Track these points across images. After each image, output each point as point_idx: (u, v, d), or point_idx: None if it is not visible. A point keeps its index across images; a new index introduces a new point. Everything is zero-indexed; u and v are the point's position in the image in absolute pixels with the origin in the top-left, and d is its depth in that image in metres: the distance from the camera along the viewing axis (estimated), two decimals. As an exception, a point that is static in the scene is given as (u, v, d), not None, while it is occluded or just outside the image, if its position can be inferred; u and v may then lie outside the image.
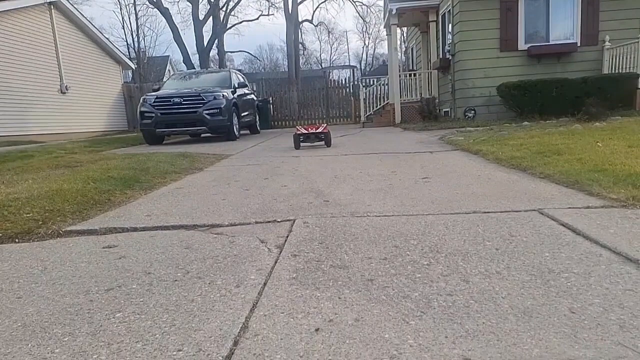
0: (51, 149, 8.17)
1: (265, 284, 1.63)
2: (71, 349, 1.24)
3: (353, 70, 20.92)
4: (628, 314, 1.26)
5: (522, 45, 9.11)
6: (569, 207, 2.43)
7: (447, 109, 10.57)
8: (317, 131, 6.63)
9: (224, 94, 9.20)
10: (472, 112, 9.12)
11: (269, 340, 1.22)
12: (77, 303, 1.57)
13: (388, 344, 1.17)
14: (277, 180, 3.95)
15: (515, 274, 1.59)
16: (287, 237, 2.21)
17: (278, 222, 2.52)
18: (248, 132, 11.79)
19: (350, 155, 5.56)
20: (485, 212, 2.45)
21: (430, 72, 11.68)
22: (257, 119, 12.10)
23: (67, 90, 13.62)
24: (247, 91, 11.16)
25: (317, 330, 1.27)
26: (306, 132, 6.63)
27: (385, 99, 12.32)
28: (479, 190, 3.03)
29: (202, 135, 10.26)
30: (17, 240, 2.49)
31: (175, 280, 1.73)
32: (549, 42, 9.11)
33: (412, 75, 12.22)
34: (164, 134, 9.40)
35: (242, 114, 10.19)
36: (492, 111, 9.05)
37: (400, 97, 11.55)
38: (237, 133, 9.52)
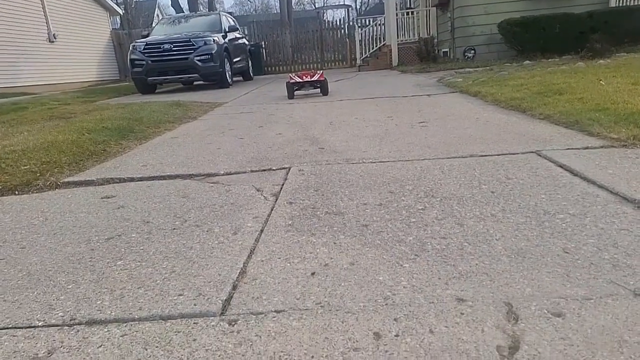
0: (44, 101, 7.98)
1: (262, 230, 1.65)
2: (75, 295, 1.27)
3: (348, 10, 19.94)
4: (622, 253, 1.28)
5: (525, -24, 8.63)
6: (568, 148, 2.41)
7: (446, 49, 10.22)
8: (313, 79, 5.97)
9: (215, 38, 8.85)
10: (472, 51, 8.83)
11: (266, 284, 1.25)
12: (79, 252, 1.60)
13: (382, 286, 1.20)
14: (272, 128, 3.89)
15: (510, 216, 1.60)
16: (283, 185, 2.21)
17: (273, 170, 2.51)
18: (241, 78, 11.47)
19: (345, 100, 5.45)
20: (482, 156, 2.44)
21: (429, 10, 11.16)
22: (250, 65, 11.74)
23: (55, 39, 13.08)
24: (238, 35, 10.73)
25: (313, 274, 1.30)
26: (300, 80, 5.99)
27: (382, 40, 11.85)
28: (477, 133, 3.00)
29: (195, 82, 10.00)
30: (16, 192, 2.49)
31: (174, 229, 1.75)
32: (554, -29, 8.61)
33: (410, 13, 11.69)
34: (156, 82, 9.16)
35: (234, 60, 9.86)
36: (493, 50, 8.76)
37: (398, 37, 11.11)
38: (230, 80, 9.27)
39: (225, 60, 9.15)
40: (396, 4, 11.38)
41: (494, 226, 1.53)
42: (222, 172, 2.55)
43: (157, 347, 1.01)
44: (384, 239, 1.50)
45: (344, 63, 15.07)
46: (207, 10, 25.10)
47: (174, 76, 8.95)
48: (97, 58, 15.67)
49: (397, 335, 0.99)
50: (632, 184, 1.79)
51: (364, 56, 12.05)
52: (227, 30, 9.76)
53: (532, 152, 2.41)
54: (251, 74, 11.76)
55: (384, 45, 11.68)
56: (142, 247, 1.59)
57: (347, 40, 14.79)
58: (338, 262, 1.37)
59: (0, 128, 4.73)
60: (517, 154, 2.42)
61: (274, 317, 1.10)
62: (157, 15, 35.19)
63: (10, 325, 1.14)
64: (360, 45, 12.10)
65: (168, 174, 2.61)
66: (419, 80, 7.04)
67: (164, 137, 3.88)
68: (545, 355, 0.89)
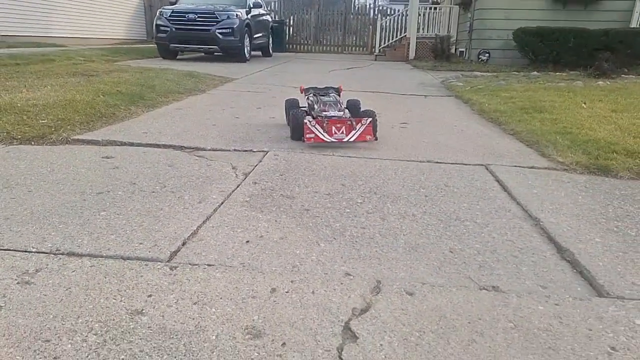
0: (71, 55, 8.40)
1: (222, 203, 2.00)
2: (63, 233, 1.65)
3: (376, -3, 19.79)
4: (494, 259, 1.59)
5: (549, -14, 8.61)
6: (515, 166, 2.69)
7: (462, 49, 10.29)
8: (346, 138, 2.94)
9: (238, 13, 9.09)
10: (487, 55, 8.91)
11: (208, 245, 1.61)
12: (73, 201, 1.97)
13: (295, 257, 1.54)
14: (268, 111, 4.21)
15: (426, 218, 1.92)
16: (256, 166, 2.55)
17: (253, 152, 2.84)
18: (260, 54, 11.72)
19: (347, 91, 5.70)
20: (437, 162, 2.73)
21: (452, 8, 11.16)
22: (271, 42, 11.95)
23: (88, -7, 13.50)
24: (262, 12, 10.93)
25: (247, 242, 1.64)
26: (320, 131, 2.91)
27: (403, 31, 11.92)
28: (447, 141, 3.27)
29: (215, 53, 10.30)
30: (32, 143, 2.88)
31: (153, 192, 2.10)
32: (578, -14, 8.57)
33: (434, 9, 11.69)
34: (177, 49, 9.49)
35: (255, 36, 10.11)
36: (508, 56, 8.82)
37: (418, 31, 11.18)
38: (247, 55, 9.55)
39: (246, 35, 9.41)
40: (423, -3, 11.39)
41: (408, 224, 1.85)
42: (208, 148, 2.89)
43: (113, 276, 1.38)
44: (316, 223, 1.83)
45: (364, 49, 15.15)
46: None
47: (195, 45, 9.27)
48: (127, 17, 16.06)
49: (287, 292, 1.33)
50: (544, 205, 2.08)
51: (383, 45, 12.16)
52: (251, 6, 9.98)
53: (482, 164, 2.69)
54: (270, 51, 11.98)
55: (404, 37, 11.77)
56: (123, 204, 1.95)
57: (371, 27, 14.83)
58: (271, 235, 1.71)
59: (28, 79, 5.15)
60: (469, 165, 2.70)
61: (205, 268, 1.45)
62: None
63: (11, 248, 1.52)
64: (381, 34, 12.18)
65: (163, 143, 2.96)
66: (425, 79, 7.23)
67: (170, 108, 4.23)
68: (384, 318, 1.22)
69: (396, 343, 1.13)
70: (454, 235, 1.77)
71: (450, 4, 11.36)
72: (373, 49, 13.26)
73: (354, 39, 15.82)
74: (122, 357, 1.06)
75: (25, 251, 1.51)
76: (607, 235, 1.75)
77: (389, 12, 12.80)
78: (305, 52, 14.90)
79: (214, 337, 1.14)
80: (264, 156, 2.75)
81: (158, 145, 2.92)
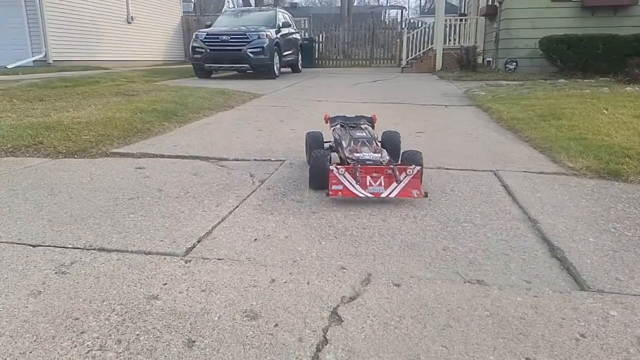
0: (114, 77, 9.07)
1: (237, 207, 2.18)
2: (96, 232, 1.87)
3: (402, 12, 19.96)
4: (484, 256, 1.67)
5: (576, -6, 8.46)
6: (524, 171, 2.73)
7: (490, 59, 10.21)
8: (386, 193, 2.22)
9: (268, 33, 9.53)
10: (514, 64, 8.81)
11: (220, 242, 1.78)
12: (107, 205, 2.21)
13: (296, 253, 1.69)
14: (289, 123, 4.41)
15: (426, 220, 2.01)
16: (272, 174, 2.73)
17: (271, 161, 3.03)
18: (290, 70, 12.10)
19: (369, 103, 5.85)
20: (446, 169, 2.81)
21: (478, 19, 11.13)
22: (300, 58, 12.34)
23: (132, 20, 14.55)
24: (291, 30, 11.37)
25: (255, 240, 1.81)
26: (349, 185, 2.22)
27: (430, 43, 11.97)
28: (460, 149, 3.34)
29: (247, 72, 10.76)
30: (75, 156, 3.20)
31: (177, 197, 2.32)
32: (607, -8, 8.37)
33: (460, 20, 11.69)
34: (212, 69, 10.02)
35: (284, 53, 10.49)
36: (535, 64, 8.69)
37: (446, 43, 11.22)
38: (277, 72, 9.92)
39: (275, 53, 9.80)
40: (451, 7, 11.41)
41: (408, 225, 1.96)
42: (231, 158, 3.11)
43: (135, 268, 1.57)
44: (320, 223, 1.98)
45: (392, 62, 15.29)
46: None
47: (227, 64, 9.78)
48: (166, 40, 17.05)
49: (284, 282, 1.48)
50: (545, 207, 2.13)
51: (409, 58, 12.25)
52: (280, 25, 10.43)
53: (492, 170, 2.75)
54: (299, 67, 12.36)
55: (430, 49, 11.81)
56: (150, 207, 2.17)
57: (399, 40, 14.97)
58: (277, 234, 1.86)
59: (75, 99, 5.65)
60: (478, 171, 2.77)
61: (214, 262, 1.62)
62: (227, 1, 36.75)
63: (52, 245, 1.76)
64: (407, 47, 12.29)
65: (190, 154, 3.21)
66: (449, 89, 7.26)
67: (200, 123, 4.52)
68: (370, 305, 1.34)
69: (377, 326, 1.24)
70: (450, 235, 1.86)
71: (477, 15, 11.34)
72: (400, 62, 13.37)
73: (382, 52, 16.01)
74: (137, 332, 1.23)
75: (64, 247, 1.74)
76: (602, 236, 1.79)
77: (417, 25, 12.92)
78: (334, 67, 15.21)
79: (216, 318, 1.29)
80: (280, 165, 2.93)
81: (185, 157, 3.17)
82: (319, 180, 2.32)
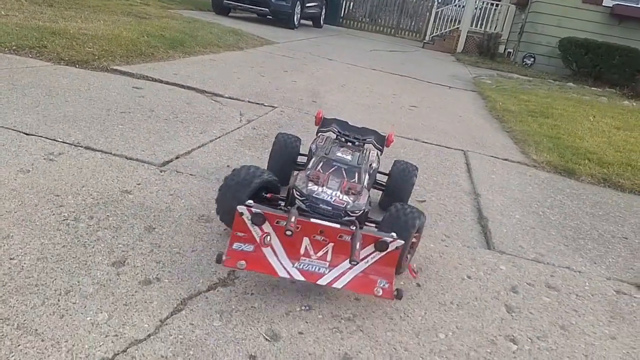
0: (129, -5, 9.00)
1: (219, 137, 2.37)
2: (85, 133, 2.07)
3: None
4: (423, 214, 1.88)
5: (608, 0, 8.28)
6: (492, 156, 2.91)
7: (510, 50, 10.11)
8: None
9: (294, -21, 9.32)
10: (532, 59, 8.76)
11: (195, 162, 1.99)
12: (99, 114, 2.40)
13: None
14: (293, 75, 4.53)
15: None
16: (261, 116, 2.91)
17: (264, 105, 3.20)
18: (311, 23, 11.94)
19: (378, 71, 5.93)
20: (422, 142, 2.99)
21: (509, 7, 10.90)
22: (323, 13, 12.12)
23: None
24: (319, -19, 11.09)
25: (228, 166, 2.02)
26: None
27: (457, 23, 11.77)
28: (444, 127, 3.50)
29: (267, 17, 10.62)
30: (76, 66, 3.35)
31: (166, 119, 2.51)
32: (637, 4, 8.20)
33: (492, 4, 11.43)
34: (230, 6, 9.85)
35: (308, 5, 10.33)
36: (552, 64, 8.64)
37: (472, 25, 11.04)
38: (296, 22, 9.81)
39: (298, 2, 9.65)
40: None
41: (366, 179, 2.16)
42: (226, 95, 3.27)
43: (115, 167, 1.79)
44: (288, 164, 2.18)
45: (417, 35, 15.00)
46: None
47: (246, 5, 9.61)
48: (190, -32, 16.48)
49: (240, 201, 1.70)
50: (493, 187, 2.33)
51: (433, 34, 12.06)
52: (309, -26, 10.17)
53: (462, 150, 2.94)
54: (321, 22, 12.17)
55: (455, 29, 11.63)
56: (138, 123, 2.37)
57: (428, 13, 14.63)
58: (247, 161, 2.06)
59: (85, 12, 5.70)
60: (451, 148, 2.95)
61: (186, 176, 1.84)
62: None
63: (44, 136, 1.96)
64: (434, 22, 12.07)
65: (188, 85, 3.36)
66: (459, 72, 7.29)
67: (205, 57, 4.63)
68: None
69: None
70: (400, 194, 2.07)
71: (509, 3, 11.09)
72: (425, 36, 13.18)
73: (410, 23, 15.64)
74: (108, 214, 1.46)
75: (54, 140, 1.95)
76: (529, 215, 2.01)
77: (448, 1, 12.62)
78: (358, 30, 14.93)
79: (177, 216, 1.52)
80: (271, 110, 3.10)
81: (183, 86, 3.32)
82: (227, 216, 1.39)
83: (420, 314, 1.25)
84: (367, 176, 1.55)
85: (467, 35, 10.98)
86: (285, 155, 1.82)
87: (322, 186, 1.39)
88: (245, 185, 1.34)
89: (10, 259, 1.17)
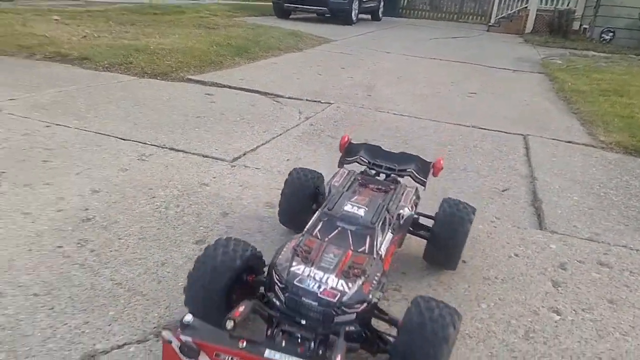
0: (199, 8, 9.70)
1: (280, 134, 2.60)
2: (169, 137, 2.40)
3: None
4: (469, 198, 1.95)
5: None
6: (554, 139, 2.84)
7: (586, 26, 9.32)
8: None
9: (349, -24, 9.43)
10: (611, 34, 8.03)
11: (260, 157, 2.23)
12: (179, 119, 2.74)
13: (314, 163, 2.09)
14: (349, 71, 4.67)
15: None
16: (318, 113, 3.10)
17: (321, 103, 3.39)
18: (369, 17, 11.95)
19: (436, 60, 5.86)
20: (480, 128, 2.99)
21: (584, -21, 10.03)
22: (381, 6, 12.07)
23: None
24: (375, -25, 11.07)
25: (287, 160, 2.23)
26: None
27: (525, 2, 11.08)
28: (505, 112, 3.44)
29: (326, 15, 10.84)
30: (158, 78, 3.78)
31: (234, 121, 2.79)
32: None
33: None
34: (290, 9, 10.23)
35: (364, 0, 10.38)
36: (634, 37, 7.84)
37: (542, 3, 10.35)
38: (354, 18, 9.91)
39: (355, -1, 9.76)
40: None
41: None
42: (286, 96, 3.51)
43: (194, 164, 2.07)
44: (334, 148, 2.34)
45: (483, 19, 14.31)
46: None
47: (306, 6, 9.92)
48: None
49: (300, 190, 1.89)
50: (552, 170, 2.30)
51: (499, 16, 11.47)
52: (364, -31, 10.22)
53: (522, 134, 2.89)
54: (380, 15, 12.13)
55: (523, 8, 10.96)
56: (212, 125, 2.67)
57: (492, -6, 13.92)
58: (307, 159, 2.27)
59: (162, 27, 6.30)
60: (510, 133, 2.92)
61: (253, 169, 2.07)
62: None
63: (136, 140, 2.31)
64: (499, 3, 11.48)
65: (252, 88, 3.65)
66: (527, 54, 6.93)
67: (267, 62, 4.93)
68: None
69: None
70: (451, 179, 2.14)
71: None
72: (490, 19, 12.57)
73: (473, 6, 14.99)
74: (190, 202, 1.73)
75: (144, 143, 2.29)
76: (588, 197, 1.98)
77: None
78: (418, 19, 14.62)
79: (246, 203, 1.76)
80: (327, 107, 3.28)
81: (248, 90, 3.62)
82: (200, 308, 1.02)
83: (464, 286, 1.35)
84: (389, 233, 1.17)
85: (536, 14, 10.31)
86: (301, 196, 1.46)
87: (312, 265, 1.01)
88: (222, 273, 0.99)
89: (119, 239, 1.47)
